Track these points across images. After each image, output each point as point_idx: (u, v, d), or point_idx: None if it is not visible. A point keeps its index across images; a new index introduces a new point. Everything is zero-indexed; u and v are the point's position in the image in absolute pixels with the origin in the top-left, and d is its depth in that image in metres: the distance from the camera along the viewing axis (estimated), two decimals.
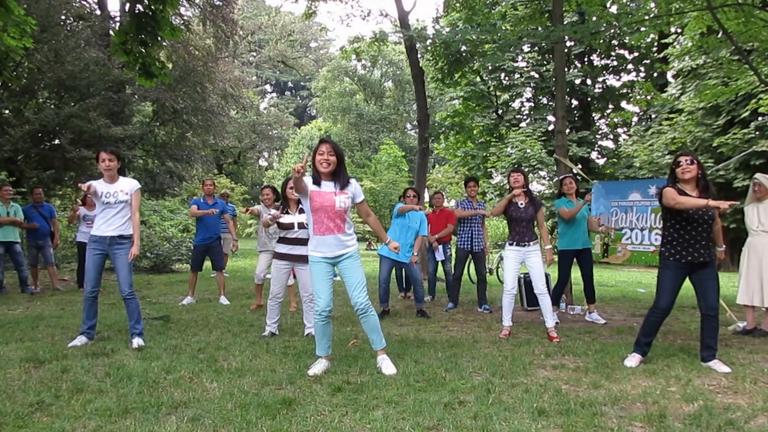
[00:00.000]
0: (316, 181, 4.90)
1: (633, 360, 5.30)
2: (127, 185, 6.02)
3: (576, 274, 8.39)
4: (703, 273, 5.27)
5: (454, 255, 9.75)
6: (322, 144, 4.92)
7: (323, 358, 5.01)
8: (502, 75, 26.42)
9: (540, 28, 14.41)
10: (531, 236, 6.76)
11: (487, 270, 9.44)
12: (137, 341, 5.84)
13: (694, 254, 5.22)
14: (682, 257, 5.27)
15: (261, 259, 8.67)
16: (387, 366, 4.93)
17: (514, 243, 6.80)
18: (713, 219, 5.24)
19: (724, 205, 4.72)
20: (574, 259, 8.09)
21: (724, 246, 5.48)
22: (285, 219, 6.48)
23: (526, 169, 22.03)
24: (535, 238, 6.81)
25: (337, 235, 4.91)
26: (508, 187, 7.17)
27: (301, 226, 6.43)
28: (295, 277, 6.71)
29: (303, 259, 6.43)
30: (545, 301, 6.68)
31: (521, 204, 6.82)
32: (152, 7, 8.14)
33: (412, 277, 8.45)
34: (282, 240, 6.56)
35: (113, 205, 5.93)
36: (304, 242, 6.42)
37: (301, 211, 6.44)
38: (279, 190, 7.38)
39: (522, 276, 8.84)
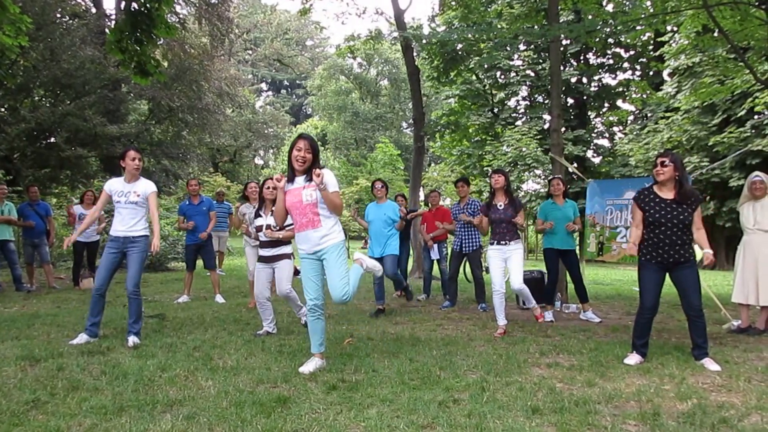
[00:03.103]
0: (290, 179, 4.92)
1: (633, 359, 5.31)
2: (141, 188, 6.10)
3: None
4: (682, 274, 5.26)
5: (449, 254, 9.76)
6: (300, 140, 4.89)
7: (316, 356, 5.00)
8: (498, 73, 26.41)
9: (536, 27, 14.44)
10: (511, 236, 6.86)
11: (483, 269, 9.44)
12: (133, 339, 5.85)
13: (665, 255, 5.22)
14: (653, 258, 5.29)
15: (249, 256, 8.77)
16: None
17: (495, 242, 6.93)
18: (685, 223, 5.19)
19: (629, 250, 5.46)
20: (560, 260, 8.12)
21: (711, 250, 5.43)
22: (258, 221, 6.58)
23: (522, 168, 22.09)
24: (516, 237, 6.90)
25: (311, 230, 4.85)
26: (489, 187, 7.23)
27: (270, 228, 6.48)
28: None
29: (278, 259, 6.54)
30: (523, 291, 6.91)
31: (500, 205, 6.90)
32: (147, 5, 8.12)
33: (384, 270, 8.08)
34: (261, 243, 6.62)
35: (123, 205, 5.99)
36: (277, 243, 6.52)
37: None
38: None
39: None
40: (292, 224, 6.22)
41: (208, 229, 9.48)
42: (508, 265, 6.88)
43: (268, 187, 6.63)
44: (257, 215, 6.66)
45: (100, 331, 6.17)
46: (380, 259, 8.31)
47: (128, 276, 6.00)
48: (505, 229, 6.85)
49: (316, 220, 4.84)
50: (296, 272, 7.97)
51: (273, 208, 6.41)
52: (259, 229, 6.56)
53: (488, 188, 24.74)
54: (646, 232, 5.32)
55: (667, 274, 5.36)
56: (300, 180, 4.90)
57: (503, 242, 6.85)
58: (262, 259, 6.60)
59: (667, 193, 5.27)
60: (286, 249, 6.58)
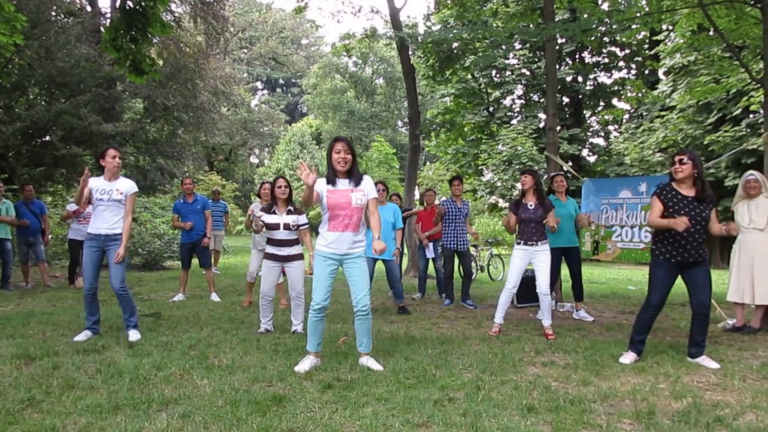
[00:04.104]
0: (331, 180, 4.93)
1: (628, 357, 5.32)
2: (124, 186, 6.12)
3: (566, 271, 8.40)
4: (696, 272, 5.26)
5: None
6: (337, 142, 4.96)
7: (312, 354, 5.01)
8: (494, 72, 26.44)
9: (531, 26, 14.44)
10: (540, 236, 6.74)
11: (478, 267, 9.45)
12: (133, 333, 5.91)
13: (685, 254, 5.21)
14: (672, 257, 5.26)
15: (253, 258, 8.71)
16: (373, 364, 4.96)
17: (522, 242, 6.80)
18: (706, 220, 5.22)
19: (681, 225, 4.94)
20: (563, 258, 8.09)
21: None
22: (270, 219, 6.51)
23: (517, 167, 22.11)
24: (544, 238, 6.78)
25: (351, 232, 4.95)
26: (519, 187, 7.18)
27: (287, 227, 6.47)
28: (284, 274, 6.76)
29: (291, 259, 6.53)
30: (546, 301, 6.70)
31: (531, 205, 6.79)
32: (142, 3, 8.10)
33: (390, 274, 8.46)
34: (269, 241, 6.60)
35: (106, 203, 5.98)
36: (290, 243, 6.52)
37: (289, 212, 6.50)
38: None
39: None
40: (306, 224, 6.37)
41: (208, 231, 9.46)
42: (534, 265, 6.77)
43: (280, 186, 6.65)
44: (273, 213, 6.60)
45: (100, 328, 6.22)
46: (380, 262, 8.34)
47: (112, 275, 6.02)
48: (533, 229, 6.73)
49: (357, 224, 4.98)
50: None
51: (288, 208, 6.56)
52: (273, 227, 6.53)
53: (483, 187, 24.88)
54: (668, 230, 5.30)
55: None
56: (345, 182, 4.97)
57: (531, 243, 6.73)
58: (272, 257, 6.58)
59: (687, 191, 5.26)
60: (299, 249, 6.61)
